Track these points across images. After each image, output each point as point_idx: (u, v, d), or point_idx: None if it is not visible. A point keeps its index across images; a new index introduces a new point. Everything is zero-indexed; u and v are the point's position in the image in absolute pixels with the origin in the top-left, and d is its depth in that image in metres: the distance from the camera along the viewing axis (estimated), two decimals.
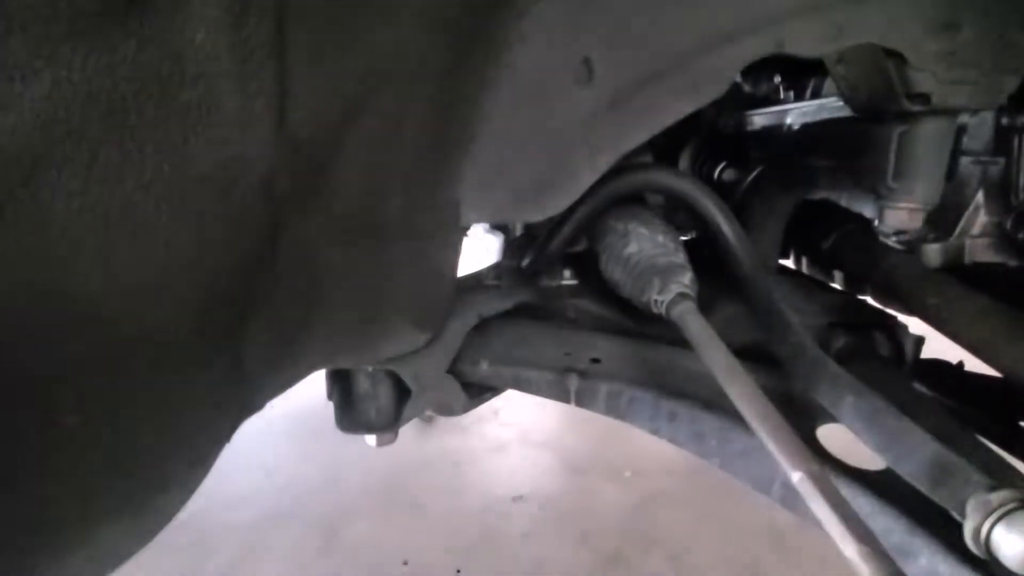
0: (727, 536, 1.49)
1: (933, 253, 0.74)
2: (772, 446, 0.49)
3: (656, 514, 1.57)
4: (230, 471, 1.75)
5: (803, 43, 0.51)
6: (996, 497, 0.42)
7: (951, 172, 0.61)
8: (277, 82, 0.39)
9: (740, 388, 0.53)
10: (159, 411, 0.40)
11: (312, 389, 0.70)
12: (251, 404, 0.52)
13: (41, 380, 0.34)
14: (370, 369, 0.67)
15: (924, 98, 0.54)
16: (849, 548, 0.40)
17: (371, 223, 0.51)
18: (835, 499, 0.42)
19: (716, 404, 0.69)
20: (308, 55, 0.40)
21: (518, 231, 1.24)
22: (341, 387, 0.71)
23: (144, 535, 0.46)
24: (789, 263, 1.05)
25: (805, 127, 0.78)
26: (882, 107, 0.57)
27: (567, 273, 0.91)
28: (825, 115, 0.81)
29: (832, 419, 0.67)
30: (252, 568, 1.44)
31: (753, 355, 0.69)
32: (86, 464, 0.37)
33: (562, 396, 0.76)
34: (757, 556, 1.44)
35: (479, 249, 1.23)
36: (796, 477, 0.45)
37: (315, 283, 0.51)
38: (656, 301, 0.68)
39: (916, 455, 0.51)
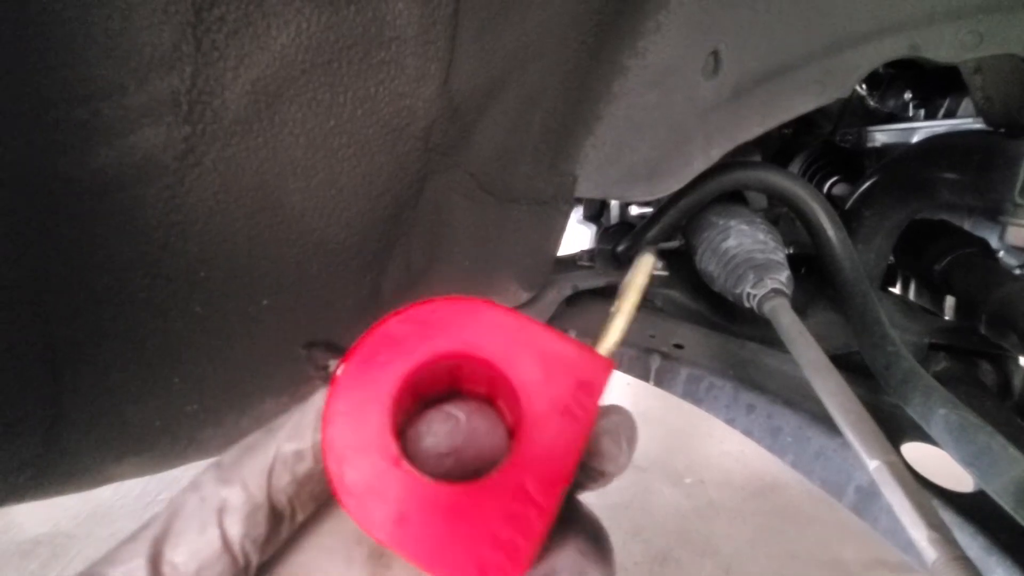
0: (786, 560, 1.45)
1: None
2: (852, 436, 0.50)
3: (713, 524, 1.55)
4: None
5: (940, 49, 0.52)
6: None
7: None
8: (448, 50, 0.46)
9: (825, 380, 0.54)
10: (321, 310, 0.49)
11: None
12: None
13: (250, 267, 0.43)
14: None
15: None
16: (919, 533, 0.42)
17: (499, 183, 0.58)
18: (910, 487, 0.44)
19: (796, 403, 0.70)
20: (474, 30, 0.47)
21: (613, 219, 1.28)
22: None
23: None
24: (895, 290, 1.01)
25: (928, 137, 0.76)
26: (1016, 121, 0.56)
27: (659, 264, 0.94)
28: None
29: (919, 438, 0.66)
30: None
31: (843, 364, 0.69)
32: (268, 342, 0.46)
33: (642, 374, 0.79)
34: None
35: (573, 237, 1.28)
36: (873, 465, 0.47)
37: (444, 229, 0.58)
38: (749, 295, 0.70)
39: (1005, 472, 0.50)
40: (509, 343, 0.23)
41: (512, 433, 0.24)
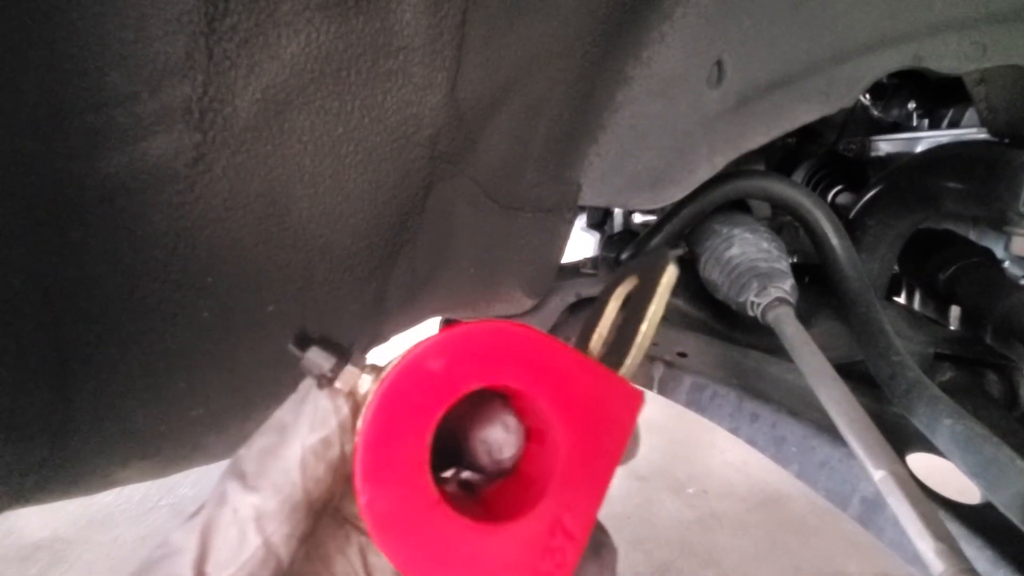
0: (789, 573, 1.43)
1: None
2: (857, 446, 0.50)
3: (716, 535, 1.54)
4: None
5: (943, 59, 0.52)
6: None
7: None
8: (455, 60, 0.46)
9: (829, 388, 0.54)
10: (326, 315, 0.49)
11: None
12: (381, 333, 0.61)
13: (256, 273, 0.43)
14: None
15: None
16: (925, 544, 0.41)
17: (504, 191, 0.58)
18: (916, 498, 0.43)
19: (801, 413, 0.70)
20: (480, 40, 0.48)
21: (617, 227, 1.29)
22: None
23: None
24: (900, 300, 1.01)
25: (932, 147, 0.76)
26: (1020, 131, 0.56)
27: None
28: None
29: (924, 448, 0.66)
30: None
31: (847, 374, 0.68)
32: (273, 347, 0.46)
33: (645, 383, 0.79)
34: None
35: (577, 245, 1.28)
36: (879, 475, 0.47)
37: (449, 236, 0.58)
38: (753, 303, 0.70)
39: (1012, 484, 0.50)
40: (548, 375, 0.24)
41: (535, 448, 0.25)
